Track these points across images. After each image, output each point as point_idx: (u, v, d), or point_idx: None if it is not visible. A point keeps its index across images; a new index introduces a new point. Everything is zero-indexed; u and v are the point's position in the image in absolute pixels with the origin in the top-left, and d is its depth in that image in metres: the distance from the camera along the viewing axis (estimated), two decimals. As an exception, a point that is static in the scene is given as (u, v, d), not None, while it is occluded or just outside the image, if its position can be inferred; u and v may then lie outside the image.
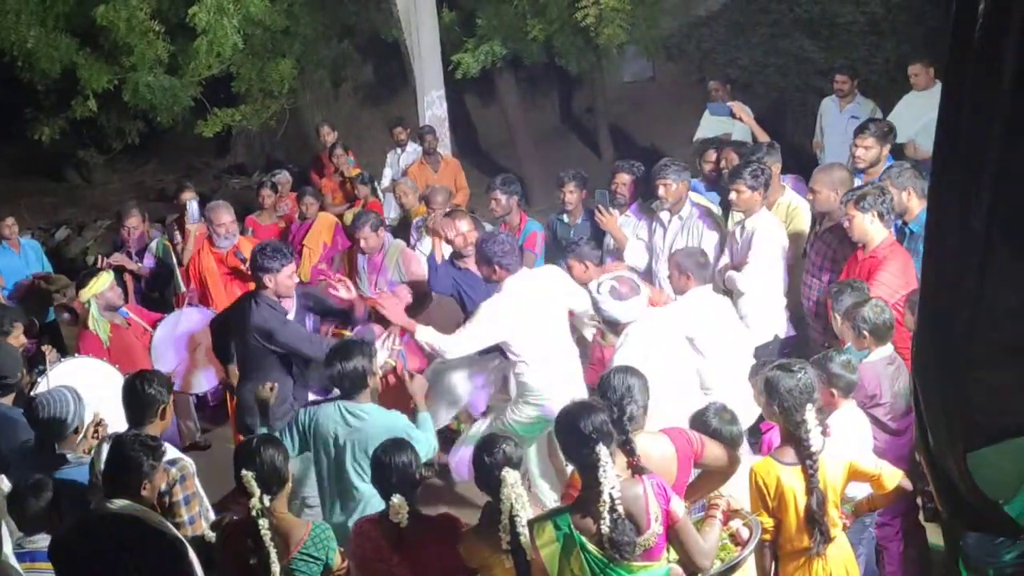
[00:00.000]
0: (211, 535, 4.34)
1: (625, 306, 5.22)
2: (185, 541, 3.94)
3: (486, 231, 6.90)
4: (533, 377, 5.82)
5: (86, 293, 6.90)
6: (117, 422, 5.02)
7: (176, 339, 7.27)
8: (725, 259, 6.65)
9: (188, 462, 4.62)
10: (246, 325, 5.92)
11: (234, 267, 7.85)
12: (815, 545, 4.10)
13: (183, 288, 8.09)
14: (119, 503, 3.85)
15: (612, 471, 3.53)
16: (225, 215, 7.90)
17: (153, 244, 8.51)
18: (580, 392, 5.73)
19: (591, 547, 3.55)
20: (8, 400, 5.61)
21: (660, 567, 3.64)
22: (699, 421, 4.48)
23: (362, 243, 7.53)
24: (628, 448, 3.86)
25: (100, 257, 8.46)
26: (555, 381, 5.77)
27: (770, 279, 6.42)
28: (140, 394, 4.61)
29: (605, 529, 3.50)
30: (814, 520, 4.07)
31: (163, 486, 4.25)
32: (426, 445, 4.89)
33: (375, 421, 4.89)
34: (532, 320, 5.78)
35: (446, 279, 6.69)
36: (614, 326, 5.39)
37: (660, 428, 4.25)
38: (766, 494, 4.12)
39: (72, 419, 4.89)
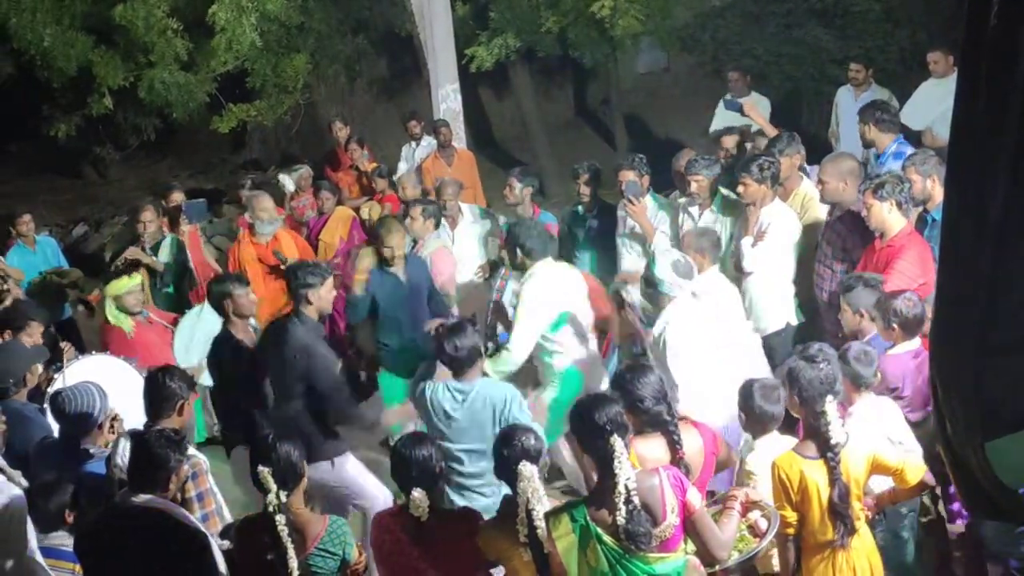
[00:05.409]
0: (222, 543, 4.27)
1: (678, 280, 5.31)
2: (208, 534, 3.96)
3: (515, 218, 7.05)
4: (561, 360, 5.93)
5: (109, 290, 6.94)
6: (132, 418, 5.05)
7: (196, 335, 7.27)
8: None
9: (201, 458, 4.63)
10: (285, 347, 5.42)
11: (274, 266, 7.94)
12: (839, 537, 4.07)
13: (198, 283, 8.14)
14: (144, 497, 3.87)
15: (627, 462, 3.53)
16: (267, 201, 8.26)
17: (166, 241, 8.55)
18: (600, 373, 6.02)
19: (607, 538, 3.55)
20: (21, 396, 5.63)
21: (677, 558, 3.64)
22: (743, 396, 4.49)
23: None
24: (676, 442, 4.04)
25: (115, 255, 8.51)
26: (579, 364, 5.92)
27: (780, 266, 6.39)
28: (161, 387, 4.63)
29: (621, 520, 3.49)
30: (837, 513, 4.05)
31: None
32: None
33: (479, 391, 4.92)
34: (564, 303, 5.90)
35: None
36: (656, 296, 5.44)
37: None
38: (789, 488, 4.09)
39: (98, 414, 4.92)
